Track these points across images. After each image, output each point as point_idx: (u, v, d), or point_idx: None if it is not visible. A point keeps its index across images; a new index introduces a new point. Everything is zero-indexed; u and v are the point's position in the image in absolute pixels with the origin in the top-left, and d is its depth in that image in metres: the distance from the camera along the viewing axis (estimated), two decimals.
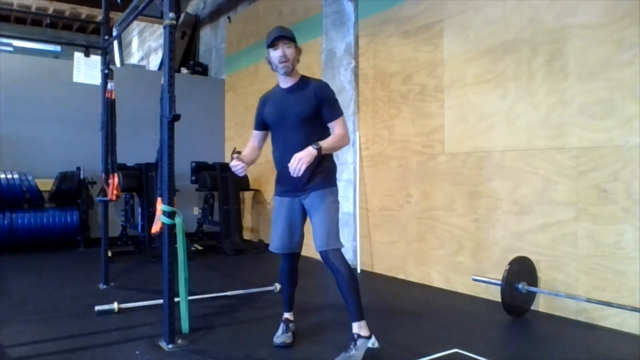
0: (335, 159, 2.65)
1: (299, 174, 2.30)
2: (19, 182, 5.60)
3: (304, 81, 2.57)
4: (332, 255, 2.42)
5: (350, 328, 2.41)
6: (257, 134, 2.71)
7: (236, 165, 2.39)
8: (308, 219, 2.57)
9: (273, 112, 2.58)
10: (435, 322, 3.11)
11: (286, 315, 2.76)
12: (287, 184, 2.55)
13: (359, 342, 2.36)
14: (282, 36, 2.45)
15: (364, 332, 2.39)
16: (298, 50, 2.52)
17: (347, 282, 2.40)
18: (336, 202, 2.53)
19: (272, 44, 2.46)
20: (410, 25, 4.27)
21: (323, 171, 2.51)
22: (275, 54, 2.46)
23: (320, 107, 2.48)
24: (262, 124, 2.67)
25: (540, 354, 2.56)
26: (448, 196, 3.92)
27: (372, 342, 2.39)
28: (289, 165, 2.31)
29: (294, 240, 2.62)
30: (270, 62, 2.53)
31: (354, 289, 2.41)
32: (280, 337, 2.64)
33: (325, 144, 2.39)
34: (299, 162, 2.28)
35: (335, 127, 2.50)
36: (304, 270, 4.61)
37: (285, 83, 2.57)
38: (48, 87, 6.09)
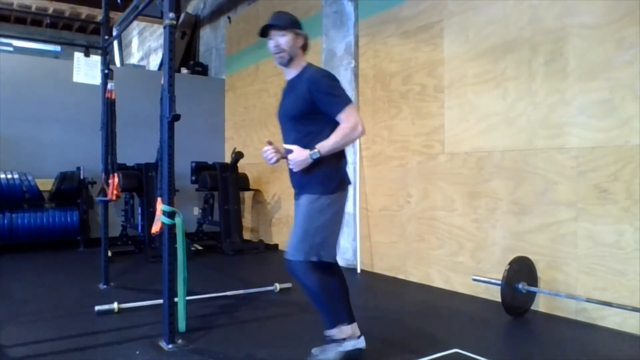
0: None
1: (294, 169, 2.22)
2: (19, 182, 5.60)
3: (303, 73, 2.29)
4: (295, 266, 2.22)
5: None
6: None
7: (266, 150, 2.24)
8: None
9: (278, 107, 2.39)
10: (435, 322, 3.11)
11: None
12: (292, 184, 2.40)
13: (330, 345, 2.28)
14: (272, 25, 2.23)
15: (341, 335, 2.26)
16: (299, 38, 2.26)
17: (313, 296, 2.24)
18: (325, 211, 2.21)
19: (264, 34, 2.27)
20: (410, 25, 4.27)
21: (319, 174, 2.23)
22: (269, 45, 2.27)
23: (316, 102, 2.19)
24: None
25: (540, 354, 2.56)
26: (448, 196, 3.92)
27: (353, 345, 2.29)
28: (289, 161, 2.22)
29: None
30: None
31: (323, 299, 2.24)
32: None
33: (325, 146, 2.16)
34: (293, 165, 2.21)
35: (341, 120, 2.18)
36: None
37: (288, 75, 2.34)
38: (48, 87, 6.08)
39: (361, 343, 2.32)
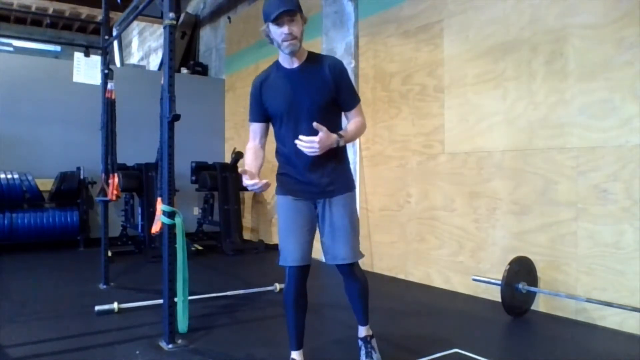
0: None
1: (312, 154, 1.98)
2: (19, 182, 5.60)
3: (314, 59, 2.11)
4: (357, 267, 2.23)
5: (354, 328, 2.38)
6: (257, 128, 2.20)
7: (253, 185, 1.98)
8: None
9: (281, 99, 2.09)
10: (435, 322, 3.11)
11: (294, 356, 2.21)
12: (303, 184, 2.13)
13: (373, 342, 2.33)
14: (288, 10, 1.95)
15: (371, 332, 2.36)
16: (304, 21, 2.05)
17: (365, 291, 2.30)
18: (355, 207, 2.26)
19: (275, 19, 1.96)
20: (410, 25, 4.27)
21: (346, 170, 2.20)
22: (279, 31, 1.98)
23: (338, 91, 2.09)
24: (263, 114, 2.17)
25: (540, 354, 2.56)
26: (448, 196, 3.92)
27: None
28: (300, 141, 1.97)
29: (310, 249, 2.18)
30: (269, 37, 2.05)
31: (367, 295, 2.33)
32: None
33: (347, 134, 2.09)
34: (314, 146, 1.95)
35: (355, 115, 2.16)
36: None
37: (291, 63, 2.08)
38: (48, 87, 6.08)
39: None
